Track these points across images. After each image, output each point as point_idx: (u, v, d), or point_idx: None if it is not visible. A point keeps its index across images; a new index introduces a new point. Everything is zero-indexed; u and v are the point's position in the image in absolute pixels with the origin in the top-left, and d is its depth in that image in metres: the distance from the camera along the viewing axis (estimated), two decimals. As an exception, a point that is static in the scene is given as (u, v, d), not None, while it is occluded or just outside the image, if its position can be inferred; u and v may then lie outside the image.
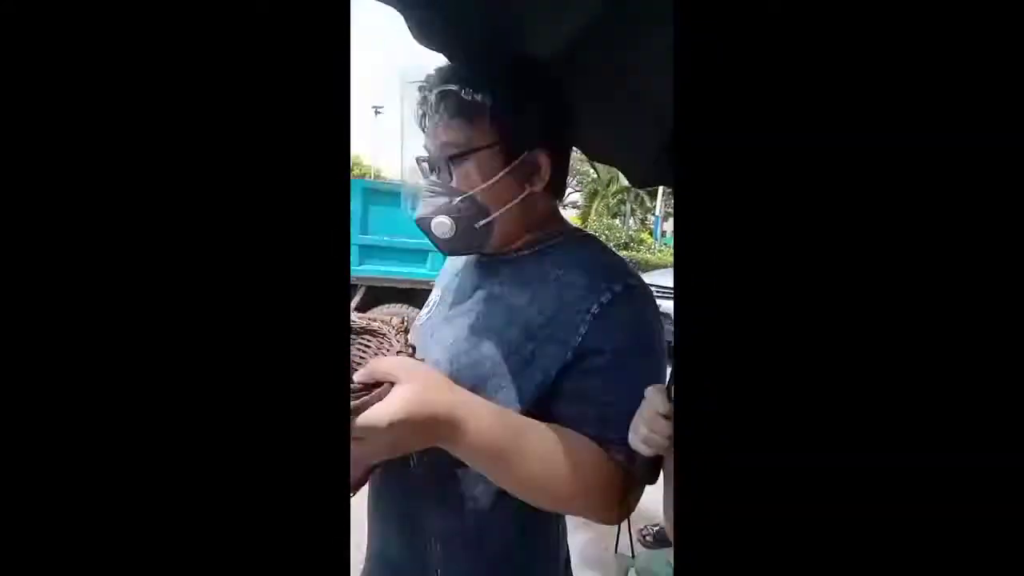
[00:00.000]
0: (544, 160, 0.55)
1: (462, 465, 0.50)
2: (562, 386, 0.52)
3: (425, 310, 0.65)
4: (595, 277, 0.53)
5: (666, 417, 0.44)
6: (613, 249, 0.61)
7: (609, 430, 0.50)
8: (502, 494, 0.51)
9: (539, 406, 0.51)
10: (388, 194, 3.80)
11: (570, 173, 0.65)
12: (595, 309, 0.51)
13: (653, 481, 0.48)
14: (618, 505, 0.51)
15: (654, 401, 0.45)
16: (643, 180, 0.94)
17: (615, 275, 0.54)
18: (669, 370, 0.47)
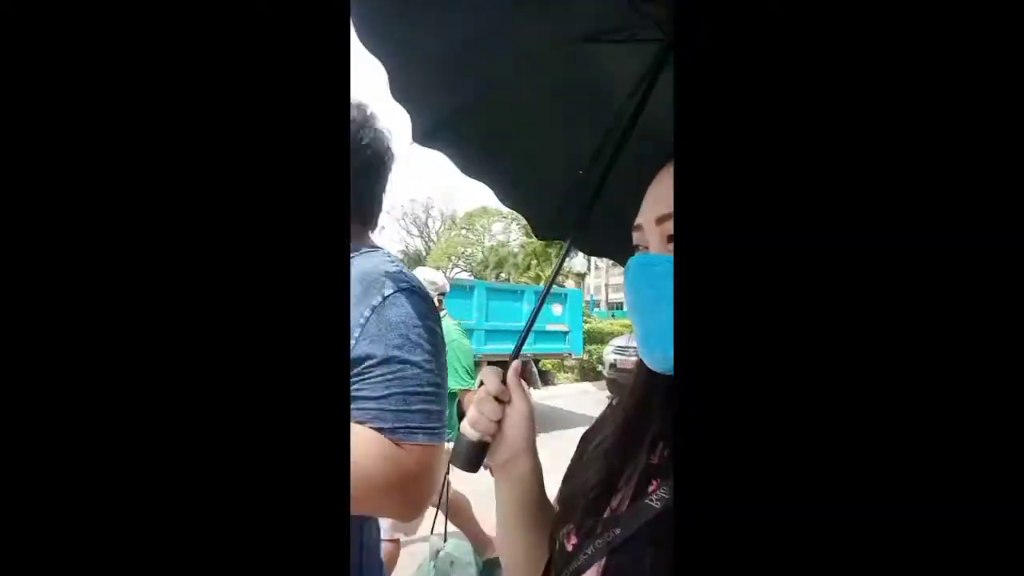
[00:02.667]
0: None
1: None
2: (349, 388, 0.57)
3: None
4: (370, 285, 0.60)
5: (498, 399, 0.47)
6: (395, 259, 0.69)
7: (386, 422, 0.55)
8: None
9: None
10: (503, 291, 5.60)
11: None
12: (367, 313, 0.58)
13: (474, 469, 0.48)
14: (414, 495, 0.56)
15: (486, 382, 0.47)
16: (546, 231, 0.90)
17: (386, 283, 0.60)
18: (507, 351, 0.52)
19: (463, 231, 23.03)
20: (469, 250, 22.37)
